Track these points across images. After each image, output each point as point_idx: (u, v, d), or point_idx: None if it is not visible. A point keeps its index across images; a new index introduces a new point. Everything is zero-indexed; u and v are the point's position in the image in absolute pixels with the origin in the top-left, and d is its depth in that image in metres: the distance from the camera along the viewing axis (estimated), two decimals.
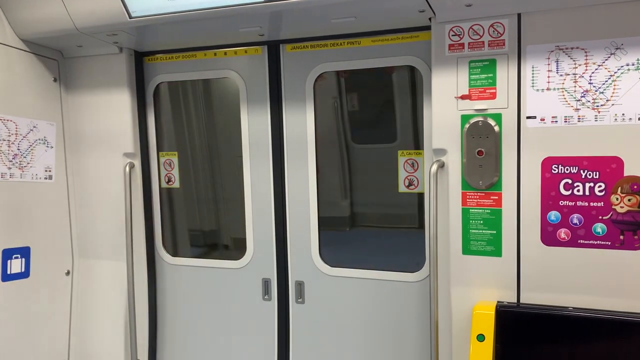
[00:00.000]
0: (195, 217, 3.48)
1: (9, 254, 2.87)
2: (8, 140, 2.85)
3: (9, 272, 2.87)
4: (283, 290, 3.14)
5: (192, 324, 3.37)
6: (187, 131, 3.39)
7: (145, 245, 3.28)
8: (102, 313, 3.27)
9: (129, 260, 3.06)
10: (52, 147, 3.11)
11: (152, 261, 3.37)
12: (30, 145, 2.98)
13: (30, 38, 2.90)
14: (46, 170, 3.07)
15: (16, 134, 2.90)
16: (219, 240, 3.48)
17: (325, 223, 3.05)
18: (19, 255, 2.92)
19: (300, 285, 3.10)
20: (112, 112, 3.14)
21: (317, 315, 3.09)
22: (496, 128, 2.37)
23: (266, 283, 3.17)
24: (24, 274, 2.95)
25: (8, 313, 2.88)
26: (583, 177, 2.27)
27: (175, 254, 3.41)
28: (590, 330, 2.25)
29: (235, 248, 3.33)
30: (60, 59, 3.16)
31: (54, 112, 3.13)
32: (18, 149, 2.91)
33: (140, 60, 3.23)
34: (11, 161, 2.87)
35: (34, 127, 3.00)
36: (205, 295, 3.32)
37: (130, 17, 2.61)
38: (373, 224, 3.13)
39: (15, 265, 2.90)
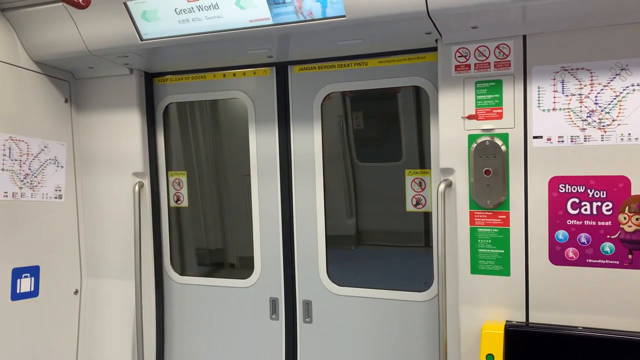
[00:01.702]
0: (203, 236, 3.49)
1: (18, 272, 2.88)
2: (19, 160, 2.89)
3: (18, 291, 2.88)
4: (290, 310, 3.14)
5: (199, 343, 3.37)
6: (196, 151, 3.42)
7: (153, 264, 3.30)
8: (110, 332, 3.27)
9: (137, 279, 3.07)
10: (62, 166, 3.14)
11: (160, 280, 3.38)
12: (41, 165, 3.01)
13: (43, 60, 2.95)
14: (56, 190, 3.10)
15: (27, 154, 2.93)
16: (227, 259, 3.49)
17: (332, 242, 3.06)
18: (28, 274, 2.93)
19: (307, 304, 3.10)
20: (122, 132, 3.18)
21: (325, 335, 3.08)
22: (503, 148, 2.39)
23: (274, 302, 3.17)
24: (33, 293, 2.96)
25: (17, 332, 2.88)
26: (590, 196, 2.28)
27: (183, 273, 3.41)
28: (600, 351, 2.23)
29: (242, 267, 3.33)
30: (71, 80, 3.21)
31: (65, 132, 3.17)
32: (29, 169, 2.94)
33: (150, 81, 3.28)
34: (22, 181, 2.90)
35: (45, 147, 3.04)
36: (212, 314, 3.32)
37: (141, 39, 2.66)
38: (381, 243, 3.13)
39: (25, 284, 2.91)
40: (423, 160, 2.87)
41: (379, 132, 3.10)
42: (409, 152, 2.94)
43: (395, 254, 3.05)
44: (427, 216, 2.88)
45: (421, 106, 2.86)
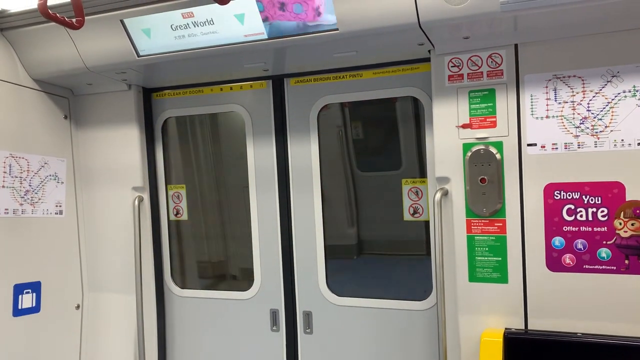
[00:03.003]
0: (203, 249, 3.51)
1: (20, 289, 2.90)
2: (20, 177, 2.92)
3: (20, 307, 2.89)
4: (291, 321, 3.15)
5: (201, 356, 3.37)
6: (194, 164, 3.45)
7: (154, 278, 3.31)
8: (112, 346, 3.27)
9: (138, 293, 3.08)
10: (62, 182, 3.17)
11: (161, 293, 3.39)
12: (42, 182, 3.04)
13: (42, 77, 2.99)
14: (57, 206, 3.13)
15: (28, 170, 2.96)
16: (227, 271, 3.50)
17: (332, 252, 3.07)
18: (29, 290, 2.95)
19: (308, 315, 3.10)
20: (121, 147, 3.21)
21: (325, 346, 3.08)
22: (498, 156, 2.41)
23: (274, 314, 3.17)
24: (35, 309, 2.97)
25: (19, 349, 2.89)
26: (585, 202, 2.29)
27: (183, 286, 3.43)
28: (600, 356, 2.23)
29: (243, 278, 3.34)
30: (70, 96, 3.25)
31: (65, 148, 3.20)
32: (30, 185, 2.97)
33: (148, 96, 3.31)
34: (23, 197, 2.93)
35: (45, 163, 3.06)
36: (213, 326, 3.32)
37: (138, 55, 2.69)
38: (382, 252, 3.14)
39: (26, 300, 2.93)
40: (423, 169, 2.89)
41: (379, 141, 3.12)
42: (409, 161, 2.95)
43: (396, 262, 3.06)
44: (428, 224, 2.89)
45: (419, 114, 2.88)
